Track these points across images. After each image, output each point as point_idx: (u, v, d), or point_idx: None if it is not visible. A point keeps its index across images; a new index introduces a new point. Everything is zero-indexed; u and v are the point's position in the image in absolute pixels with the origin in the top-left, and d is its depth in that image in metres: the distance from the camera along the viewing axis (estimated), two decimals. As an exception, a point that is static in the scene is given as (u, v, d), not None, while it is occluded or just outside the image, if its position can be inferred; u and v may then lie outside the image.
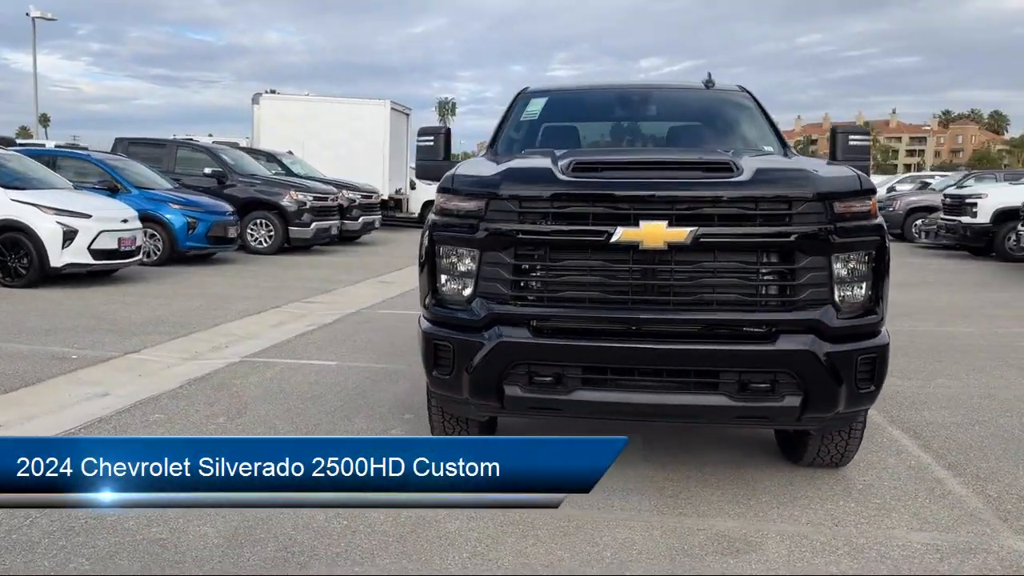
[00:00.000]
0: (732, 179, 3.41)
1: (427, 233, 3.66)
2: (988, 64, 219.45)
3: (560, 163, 3.55)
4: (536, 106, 5.11)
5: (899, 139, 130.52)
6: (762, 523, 3.47)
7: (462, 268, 3.52)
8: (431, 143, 4.68)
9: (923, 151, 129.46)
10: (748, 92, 5.45)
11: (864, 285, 3.40)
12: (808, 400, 3.35)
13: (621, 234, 3.26)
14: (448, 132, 4.78)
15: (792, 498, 3.73)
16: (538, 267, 3.42)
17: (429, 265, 3.62)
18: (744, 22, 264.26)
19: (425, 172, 4.68)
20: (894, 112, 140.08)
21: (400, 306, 8.89)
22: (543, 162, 3.66)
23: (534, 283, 3.43)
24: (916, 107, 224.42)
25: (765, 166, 3.63)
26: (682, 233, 3.23)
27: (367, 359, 6.38)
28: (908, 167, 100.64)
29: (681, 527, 3.39)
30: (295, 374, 5.78)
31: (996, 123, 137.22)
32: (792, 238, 3.32)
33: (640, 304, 3.36)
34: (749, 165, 3.48)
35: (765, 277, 3.37)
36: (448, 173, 3.73)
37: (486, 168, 3.78)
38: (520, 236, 3.40)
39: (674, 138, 5.29)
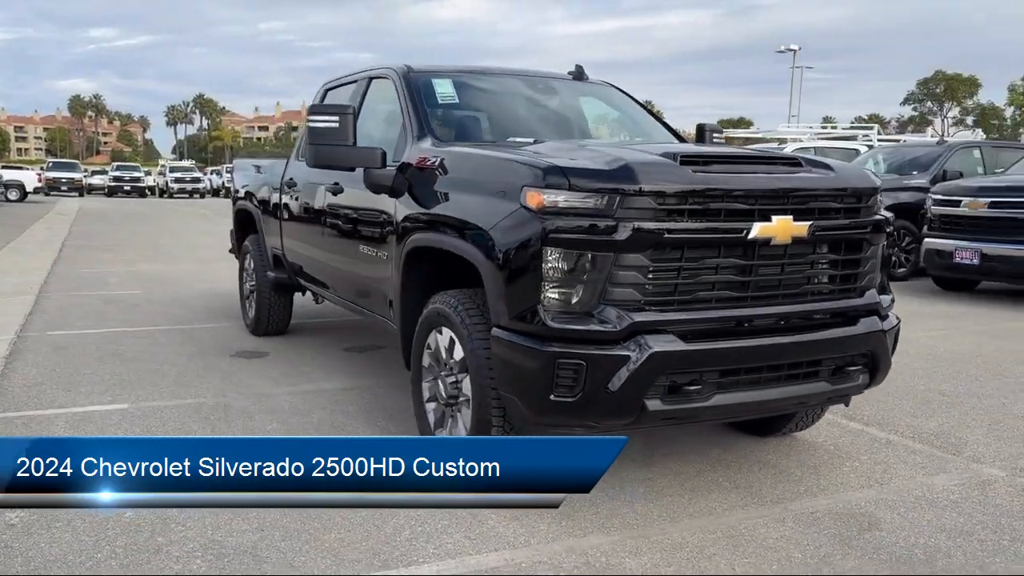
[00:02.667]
0: (827, 174, 3.56)
1: (528, 235, 3.12)
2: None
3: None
4: (446, 88, 4.69)
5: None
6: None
7: (586, 274, 3.07)
8: (335, 125, 4.14)
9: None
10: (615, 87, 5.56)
11: (883, 269, 3.74)
12: (873, 375, 3.66)
13: (758, 230, 3.24)
14: (355, 112, 4.30)
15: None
16: (672, 268, 3.17)
17: (532, 272, 3.11)
18: (208, 1, 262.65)
19: (324, 158, 4.23)
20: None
21: (78, 323, 8.26)
22: (649, 154, 3.44)
23: (668, 285, 3.19)
24: None
25: (826, 162, 3.71)
26: (803, 227, 3.31)
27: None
28: None
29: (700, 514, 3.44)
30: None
31: None
32: (868, 228, 3.57)
33: (763, 299, 3.38)
34: (806, 161, 3.61)
35: (845, 266, 3.57)
36: (551, 164, 3.19)
37: (589, 159, 3.34)
38: (666, 236, 3.11)
39: (589, 130, 5.16)
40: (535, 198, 3.14)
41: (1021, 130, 46.47)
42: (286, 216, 6.00)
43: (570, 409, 3.12)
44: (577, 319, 3.10)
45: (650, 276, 3.13)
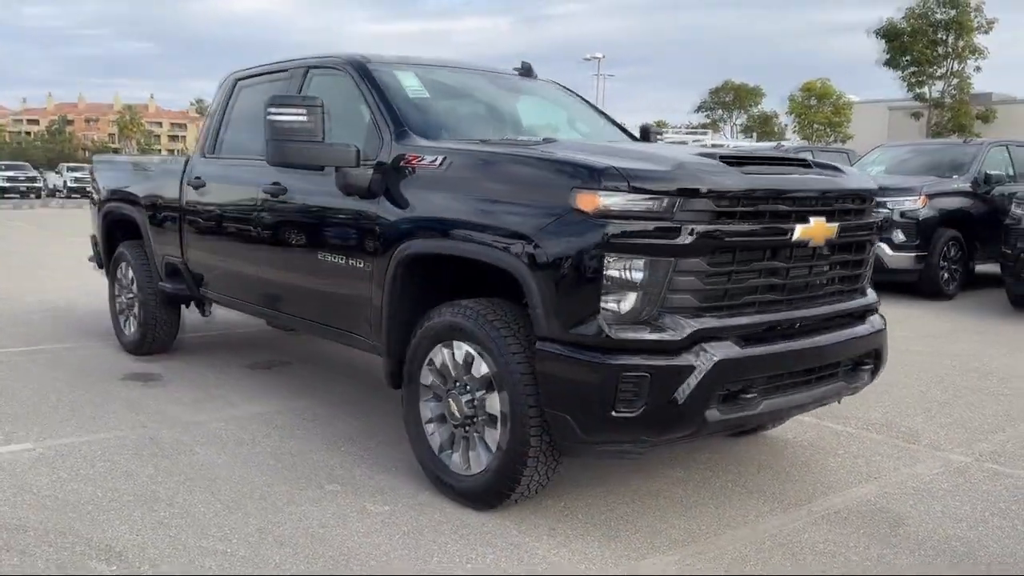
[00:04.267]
0: (840, 175, 3.57)
1: (586, 241, 2.88)
2: (220, 59, 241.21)
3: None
4: (412, 81, 4.31)
5: (160, 124, 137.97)
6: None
7: (648, 280, 2.89)
8: (303, 119, 3.67)
9: (185, 136, 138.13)
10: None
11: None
12: (875, 372, 3.74)
13: (800, 231, 3.18)
14: (324, 106, 3.75)
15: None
16: (725, 272, 3.04)
17: (589, 280, 2.89)
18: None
19: (289, 157, 3.75)
20: (152, 97, 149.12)
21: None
22: (694, 155, 3.29)
23: (720, 290, 3.05)
24: (162, 92, 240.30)
25: (832, 164, 3.74)
26: (834, 229, 3.32)
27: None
28: (171, 152, 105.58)
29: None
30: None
31: None
32: (872, 230, 3.65)
33: (796, 302, 3.33)
34: (814, 163, 3.61)
35: (854, 266, 3.61)
36: (609, 165, 2.94)
37: (641, 159, 3.14)
38: (726, 239, 2.98)
39: (558, 126, 4.96)
40: (590, 201, 2.92)
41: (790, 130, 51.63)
42: (191, 220, 5.35)
43: (631, 424, 2.94)
44: (638, 328, 2.93)
45: (707, 281, 3.01)
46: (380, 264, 3.75)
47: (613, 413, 2.90)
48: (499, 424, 3.22)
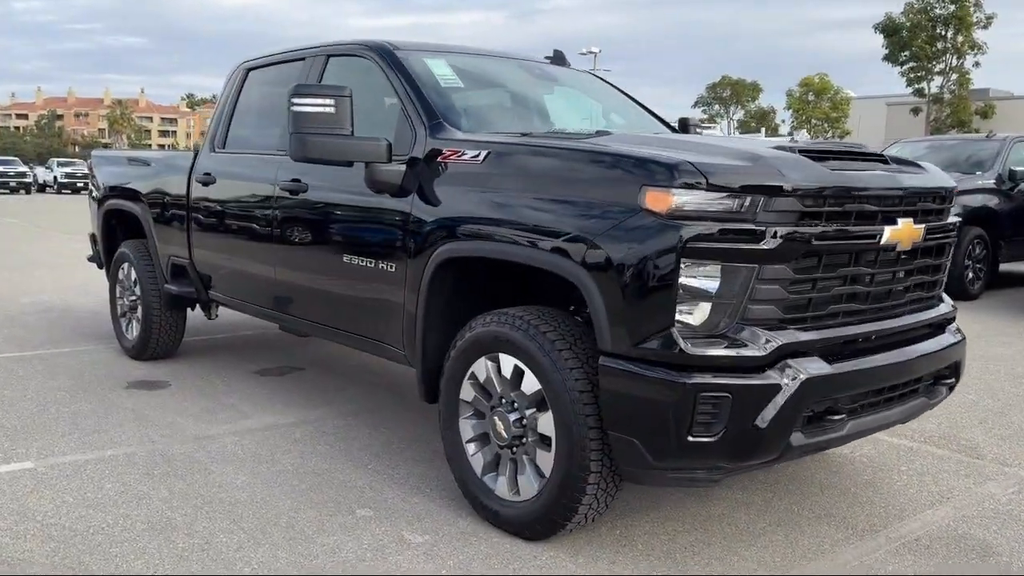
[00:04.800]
0: (922, 172, 3.24)
1: (660, 245, 2.57)
2: (211, 53, 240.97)
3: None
4: (444, 69, 3.97)
5: (150, 119, 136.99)
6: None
7: (729, 289, 2.60)
8: (329, 110, 3.35)
9: (175, 131, 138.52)
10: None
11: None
12: (954, 385, 3.44)
13: (889, 234, 2.88)
14: (352, 95, 3.41)
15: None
16: (810, 279, 2.74)
17: (663, 289, 2.57)
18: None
19: (314, 151, 3.40)
20: (143, 92, 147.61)
21: None
22: (771, 148, 2.96)
23: (803, 299, 2.74)
24: (153, 87, 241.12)
25: (909, 160, 3.41)
26: (920, 231, 3.02)
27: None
28: (162, 147, 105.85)
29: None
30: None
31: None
32: (951, 232, 3.33)
33: (879, 312, 3.02)
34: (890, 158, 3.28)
35: (933, 272, 3.31)
36: (683, 160, 2.62)
37: (714, 153, 2.81)
38: (814, 242, 2.67)
39: (596, 118, 4.71)
40: (662, 200, 2.61)
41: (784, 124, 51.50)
42: (199, 218, 5.02)
43: (708, 450, 2.63)
44: (716, 343, 2.62)
45: (791, 289, 2.71)
46: (414, 267, 3.44)
47: (689, 438, 2.59)
48: (553, 446, 2.92)
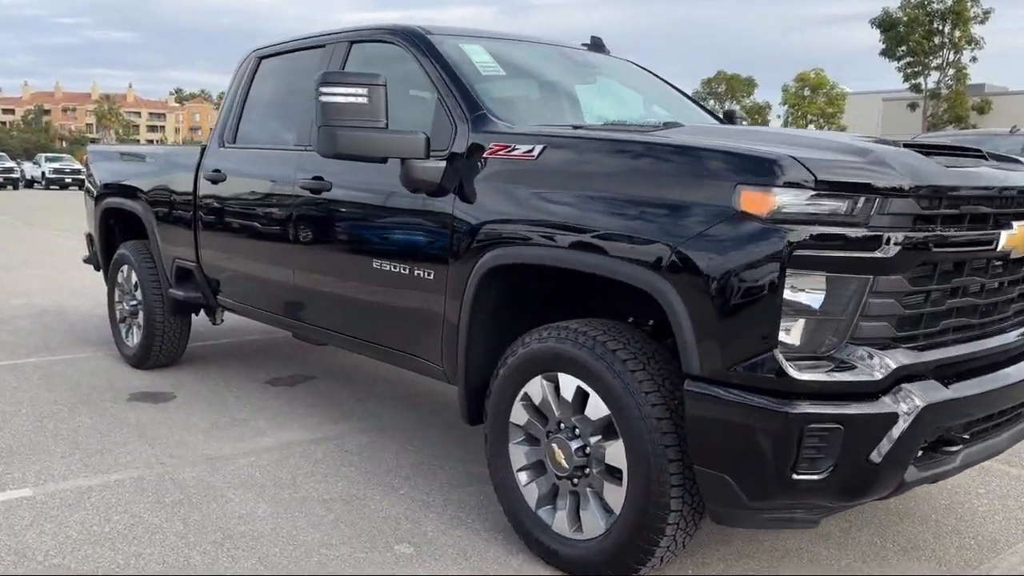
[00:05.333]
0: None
1: (761, 252, 2.23)
2: (200, 48, 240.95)
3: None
4: (482, 55, 3.63)
5: (139, 114, 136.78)
6: None
7: (840, 304, 2.27)
8: (362, 100, 3.03)
9: (164, 127, 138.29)
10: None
11: None
12: None
13: (1004, 240, 2.55)
14: (386, 84, 3.09)
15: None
16: (923, 291, 2.43)
17: (764, 304, 2.24)
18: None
19: (346, 146, 3.06)
20: (131, 87, 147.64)
21: None
22: (881, 143, 2.60)
23: (916, 315, 2.44)
24: (141, 82, 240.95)
25: (1005, 155, 3.05)
26: None
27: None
28: (151, 142, 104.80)
29: None
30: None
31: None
32: None
33: (990, 326, 2.70)
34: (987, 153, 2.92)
35: None
36: (785, 155, 2.28)
37: (814, 147, 2.51)
38: (934, 250, 2.37)
39: (643, 108, 4.37)
40: (762, 201, 2.27)
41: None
42: (208, 219, 4.66)
43: (813, 489, 2.30)
44: (825, 366, 2.29)
45: (905, 303, 2.38)
46: (456, 274, 3.10)
47: (793, 476, 2.26)
48: (624, 480, 2.58)
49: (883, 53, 39.11)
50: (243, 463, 3.83)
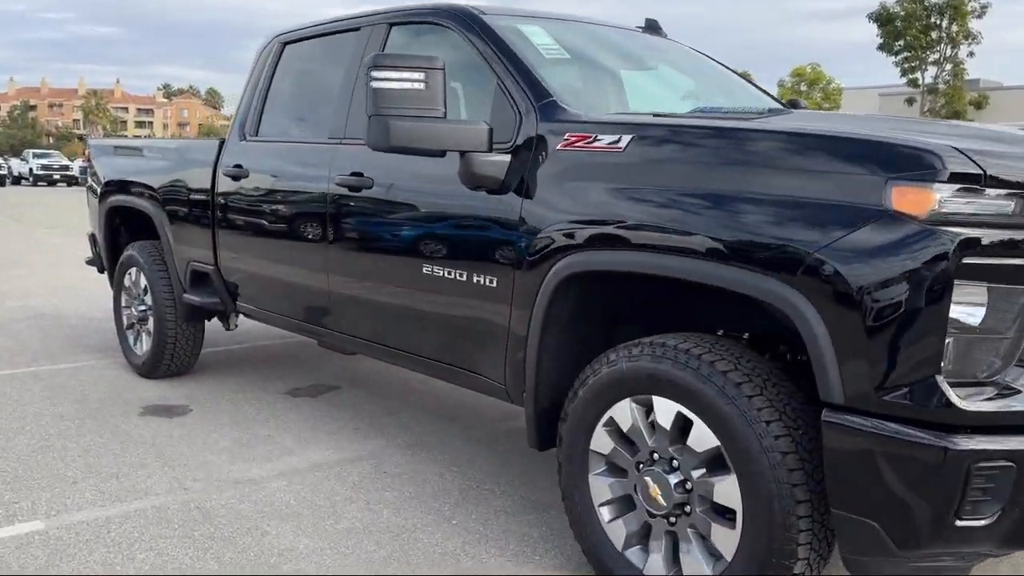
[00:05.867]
0: None
1: (922, 259, 1.91)
2: (187, 43, 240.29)
3: None
4: (542, 37, 3.28)
5: (126, 109, 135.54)
6: None
7: (995, 319, 1.96)
8: (419, 86, 2.67)
9: (152, 122, 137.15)
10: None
11: None
12: None
13: None
14: (445, 67, 2.73)
15: None
16: None
17: (924, 321, 1.93)
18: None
19: (403, 138, 2.68)
20: (118, 82, 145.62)
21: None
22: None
23: None
24: (128, 78, 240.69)
25: None
26: None
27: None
28: (138, 137, 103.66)
29: None
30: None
31: (213, 100, 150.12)
32: None
33: None
34: None
35: None
36: (948, 148, 1.96)
37: (966, 136, 2.26)
38: None
39: (710, 94, 3.93)
40: (920, 199, 1.93)
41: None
42: (228, 218, 4.30)
43: (975, 536, 1.97)
44: (990, 394, 1.96)
45: None
46: (525, 282, 2.76)
47: (957, 522, 1.93)
48: (738, 521, 2.25)
49: (880, 48, 38.87)
50: (275, 488, 3.48)
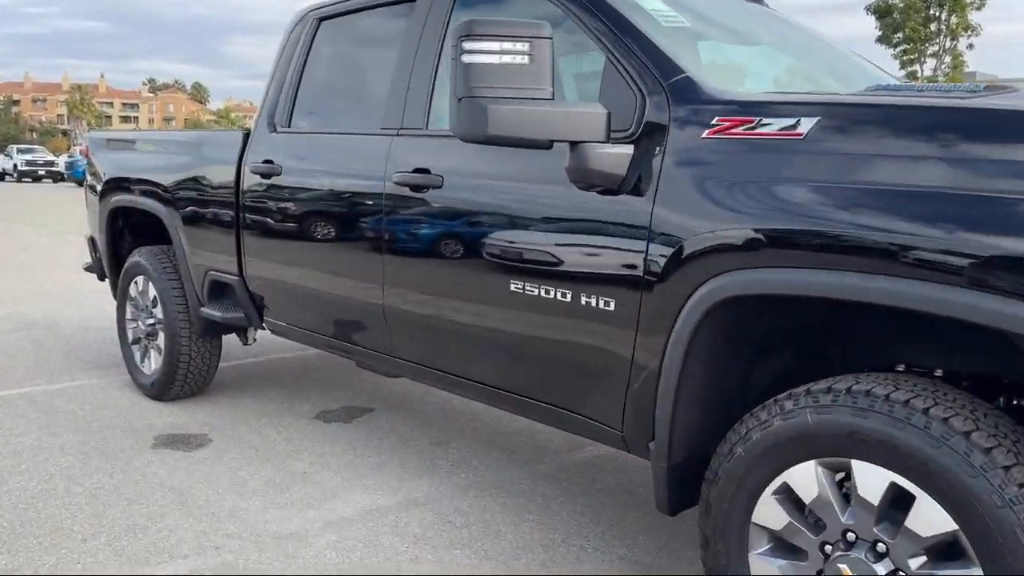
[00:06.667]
0: None
1: None
2: (172, 37, 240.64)
3: None
4: (653, 3, 2.72)
5: (111, 104, 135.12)
6: None
7: None
8: (522, 60, 2.13)
9: (137, 117, 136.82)
10: None
11: None
12: None
13: None
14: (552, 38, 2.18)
15: None
16: None
17: None
18: None
19: (504, 124, 2.12)
20: (103, 76, 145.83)
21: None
22: None
23: None
24: (113, 73, 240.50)
25: None
26: None
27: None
28: None
29: None
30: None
31: (199, 94, 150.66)
32: None
33: None
34: None
35: None
36: None
37: None
38: None
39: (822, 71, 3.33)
40: None
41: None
42: (257, 222, 3.72)
43: None
44: None
45: None
46: (658, 305, 2.19)
47: None
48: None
49: (879, 40, 38.54)
50: (324, 544, 2.92)
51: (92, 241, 5.21)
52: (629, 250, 2.26)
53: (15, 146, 45.63)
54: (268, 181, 3.60)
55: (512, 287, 2.58)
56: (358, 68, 3.59)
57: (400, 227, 2.97)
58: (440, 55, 2.98)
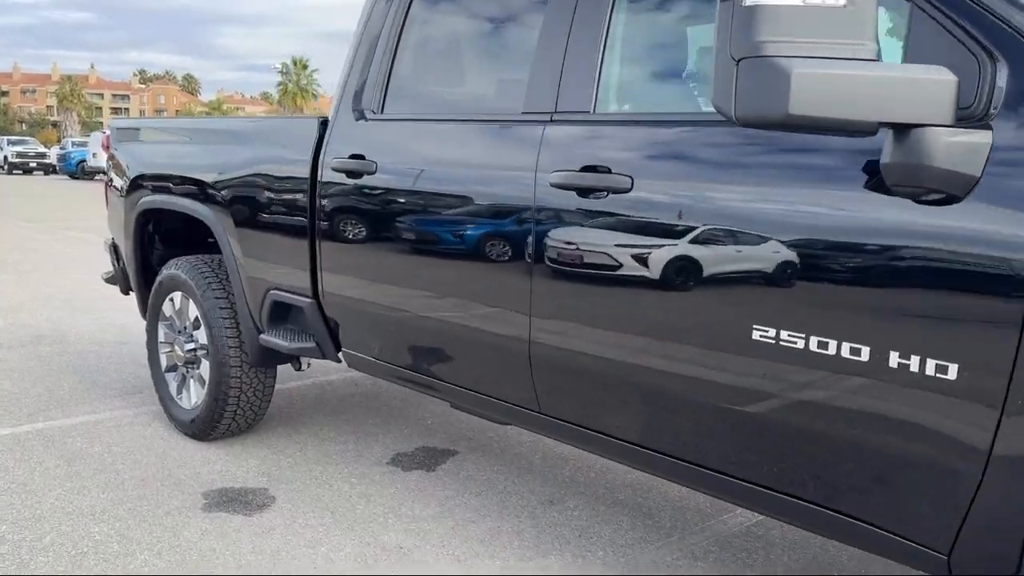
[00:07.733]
0: None
1: None
2: (162, 28, 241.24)
3: None
4: None
5: (101, 96, 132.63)
6: None
7: None
8: (840, 2, 1.43)
9: (127, 109, 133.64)
10: None
11: None
12: None
13: None
14: None
15: None
16: None
17: None
18: None
19: (817, 102, 1.42)
20: (93, 67, 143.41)
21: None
22: None
23: None
24: (103, 64, 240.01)
25: None
26: None
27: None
28: None
29: None
30: None
31: (190, 85, 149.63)
32: None
33: None
34: None
35: None
36: None
37: None
38: None
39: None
40: None
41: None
42: (339, 230, 2.96)
43: None
44: None
45: None
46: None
47: None
48: None
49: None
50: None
51: (114, 248, 4.44)
52: (995, 294, 1.52)
53: (6, 137, 44.54)
54: (357, 180, 2.84)
55: (755, 335, 1.83)
56: (479, 37, 2.84)
57: (561, 244, 2.22)
58: (614, 9, 2.24)
